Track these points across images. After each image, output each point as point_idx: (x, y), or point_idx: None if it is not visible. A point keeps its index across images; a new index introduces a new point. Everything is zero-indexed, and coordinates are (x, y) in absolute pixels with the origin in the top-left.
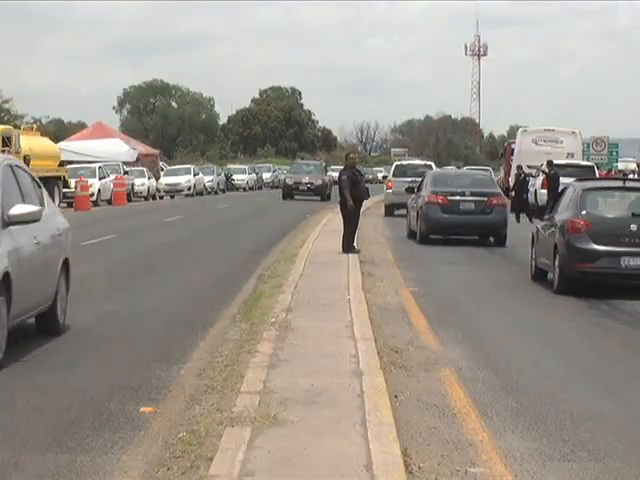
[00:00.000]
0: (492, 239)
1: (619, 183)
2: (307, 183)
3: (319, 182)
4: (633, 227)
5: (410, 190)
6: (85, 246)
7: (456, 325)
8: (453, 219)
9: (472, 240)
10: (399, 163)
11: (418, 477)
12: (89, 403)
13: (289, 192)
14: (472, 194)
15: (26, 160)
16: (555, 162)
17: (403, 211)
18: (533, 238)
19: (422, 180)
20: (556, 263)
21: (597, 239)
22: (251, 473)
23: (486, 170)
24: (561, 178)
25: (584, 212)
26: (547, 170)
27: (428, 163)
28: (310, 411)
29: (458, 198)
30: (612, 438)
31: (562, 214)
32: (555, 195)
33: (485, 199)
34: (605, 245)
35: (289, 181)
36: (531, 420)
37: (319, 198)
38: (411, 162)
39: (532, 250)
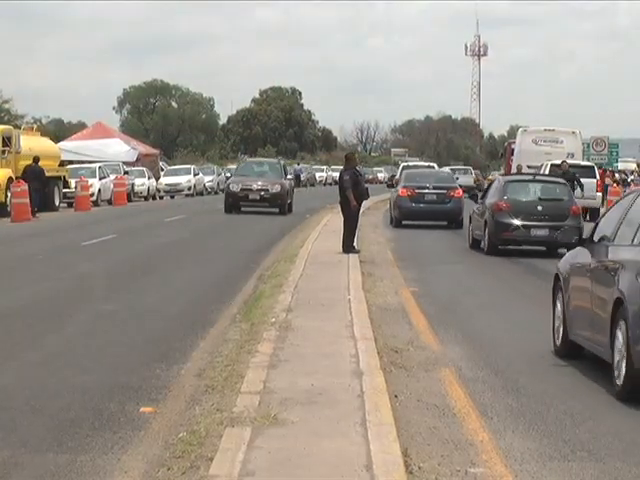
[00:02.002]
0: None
1: (530, 177)
2: (259, 190)
3: (276, 188)
4: (539, 208)
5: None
6: (85, 246)
7: (456, 325)
8: (419, 207)
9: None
10: (406, 164)
11: (418, 477)
12: (89, 403)
13: (234, 203)
14: (434, 188)
15: (35, 160)
16: (555, 162)
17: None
18: (470, 218)
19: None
20: (486, 234)
21: (514, 216)
22: (251, 473)
23: (466, 170)
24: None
25: (505, 197)
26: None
27: (431, 165)
28: (310, 411)
29: (423, 191)
30: (612, 438)
31: (490, 199)
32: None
33: (445, 192)
34: (520, 220)
35: (234, 187)
36: (531, 420)
37: (277, 210)
38: (417, 164)
39: (469, 226)
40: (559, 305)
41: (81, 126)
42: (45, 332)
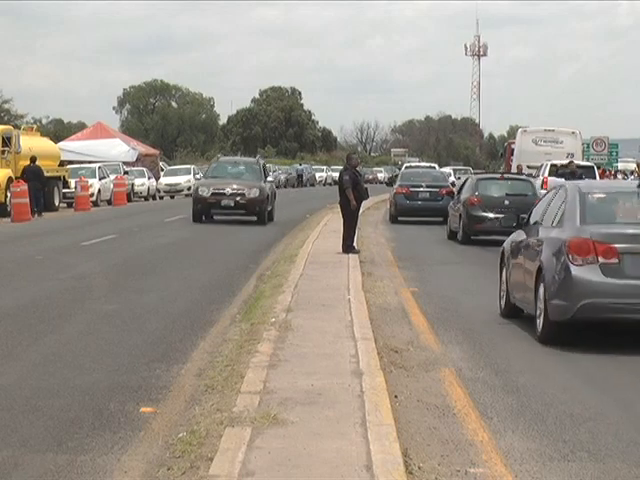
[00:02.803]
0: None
1: (498, 175)
2: (234, 194)
3: (254, 193)
4: (506, 202)
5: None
6: (85, 246)
7: (456, 325)
8: (413, 204)
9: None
10: (409, 165)
11: (418, 477)
12: (89, 403)
13: (204, 209)
14: (427, 186)
15: (33, 160)
16: (555, 162)
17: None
18: (448, 212)
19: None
20: (460, 225)
21: (485, 209)
22: (251, 473)
23: (466, 170)
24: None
25: (477, 193)
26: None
27: (432, 165)
28: (310, 411)
29: (417, 189)
30: (612, 438)
31: (464, 195)
32: None
33: (437, 190)
34: (490, 213)
35: (203, 192)
36: (531, 420)
37: (254, 219)
38: (419, 164)
39: (448, 220)
40: (503, 275)
41: (81, 126)
42: (45, 332)
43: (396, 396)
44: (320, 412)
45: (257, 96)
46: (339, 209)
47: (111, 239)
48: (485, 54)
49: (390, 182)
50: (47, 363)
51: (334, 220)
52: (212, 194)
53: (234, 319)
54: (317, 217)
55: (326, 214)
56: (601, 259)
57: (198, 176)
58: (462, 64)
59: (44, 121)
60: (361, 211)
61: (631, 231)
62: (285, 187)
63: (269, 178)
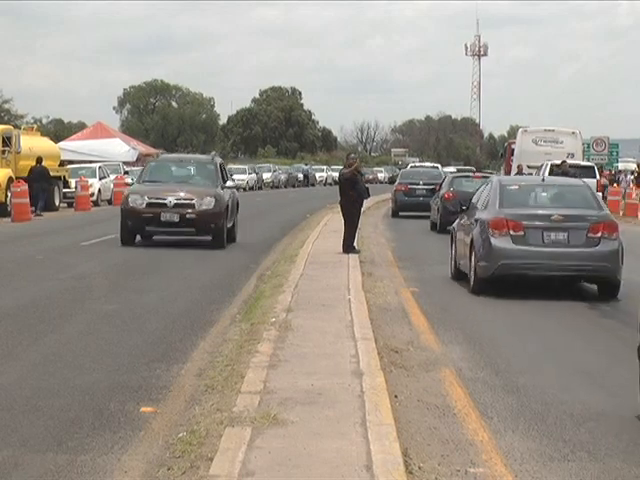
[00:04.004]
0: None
1: (470, 173)
2: (180, 205)
3: (207, 203)
4: None
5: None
6: (85, 246)
7: (456, 325)
8: (411, 200)
9: None
10: (413, 165)
11: (418, 477)
12: (89, 403)
13: (137, 227)
14: (424, 184)
15: (39, 161)
16: (555, 162)
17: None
18: (431, 208)
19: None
20: (438, 217)
21: (459, 203)
22: (251, 473)
23: (470, 170)
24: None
25: (452, 188)
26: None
27: (435, 165)
28: (310, 411)
29: (415, 187)
30: (612, 438)
31: (441, 191)
32: None
33: (433, 187)
34: (464, 205)
35: (136, 201)
36: (531, 420)
37: (209, 238)
38: (423, 164)
39: (430, 213)
40: (452, 249)
41: (81, 126)
42: (45, 332)
43: (396, 396)
44: (320, 412)
45: (257, 96)
46: (339, 209)
47: (111, 239)
48: (485, 54)
49: (392, 181)
50: (47, 363)
51: (334, 220)
52: (148, 205)
53: (234, 319)
54: (317, 217)
55: (326, 214)
56: (512, 232)
57: (234, 175)
58: (462, 64)
59: (44, 121)
60: (361, 210)
61: (532, 212)
62: (285, 187)
63: (229, 182)
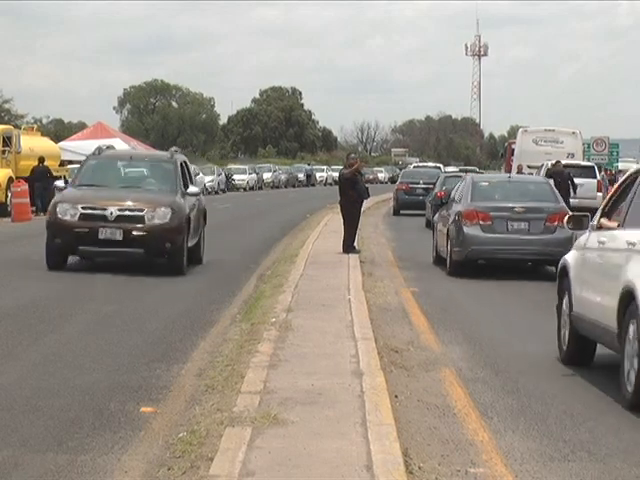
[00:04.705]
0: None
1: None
2: (123, 219)
3: (161, 216)
4: None
5: None
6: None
7: (456, 325)
8: (412, 199)
9: None
10: (417, 165)
11: (418, 477)
12: (89, 403)
13: (67, 245)
14: (424, 183)
15: (41, 160)
16: (553, 163)
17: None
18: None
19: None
20: (431, 214)
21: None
22: (251, 473)
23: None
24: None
25: (444, 188)
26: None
27: (438, 165)
28: (310, 411)
29: (415, 186)
30: (612, 438)
31: (434, 190)
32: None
33: (431, 187)
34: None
35: (66, 212)
36: (531, 420)
37: (160, 260)
38: (427, 165)
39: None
40: (433, 238)
41: (81, 126)
42: (45, 332)
43: (396, 396)
44: (320, 412)
45: (257, 96)
46: (339, 209)
47: None
48: (485, 54)
49: (392, 181)
50: (47, 363)
51: (334, 220)
52: (82, 217)
53: (234, 319)
54: (317, 217)
55: (326, 214)
56: (481, 222)
57: (199, 176)
58: (462, 64)
59: (44, 121)
60: (361, 210)
61: (498, 205)
62: (285, 187)
63: (192, 188)
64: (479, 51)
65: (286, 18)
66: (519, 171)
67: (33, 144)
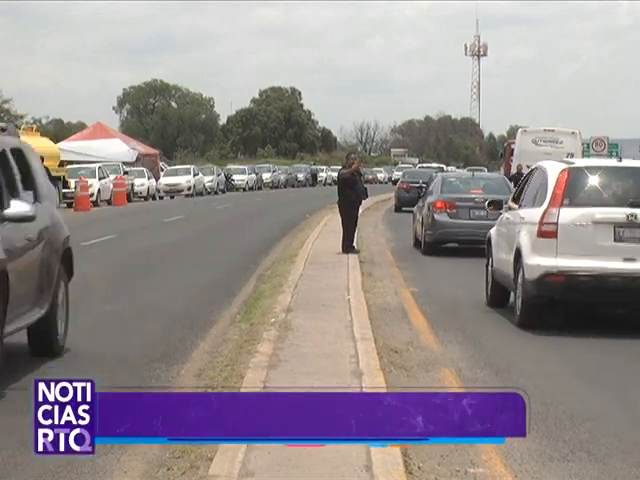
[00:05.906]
0: None
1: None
2: None
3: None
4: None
5: None
6: (85, 246)
7: (456, 325)
8: (411, 197)
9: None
10: (421, 165)
11: (418, 477)
12: None
13: None
14: (424, 182)
15: (40, 160)
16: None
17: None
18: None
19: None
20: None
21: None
22: (251, 473)
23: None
24: None
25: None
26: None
27: (441, 166)
28: None
29: (415, 185)
30: (612, 438)
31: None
32: None
33: None
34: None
35: None
36: (531, 420)
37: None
38: (431, 165)
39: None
40: (413, 224)
41: (81, 126)
42: None
43: None
44: None
45: (257, 96)
46: (338, 209)
47: (111, 239)
48: (485, 54)
49: (395, 180)
50: (45, 362)
51: (334, 220)
52: None
53: (234, 319)
54: (317, 217)
55: (326, 214)
56: (448, 210)
57: (199, 176)
58: (462, 64)
59: (44, 121)
60: (360, 211)
61: (462, 195)
62: (285, 187)
63: (15, 208)
64: (479, 51)
65: (286, 18)
66: (519, 171)
67: (32, 144)
